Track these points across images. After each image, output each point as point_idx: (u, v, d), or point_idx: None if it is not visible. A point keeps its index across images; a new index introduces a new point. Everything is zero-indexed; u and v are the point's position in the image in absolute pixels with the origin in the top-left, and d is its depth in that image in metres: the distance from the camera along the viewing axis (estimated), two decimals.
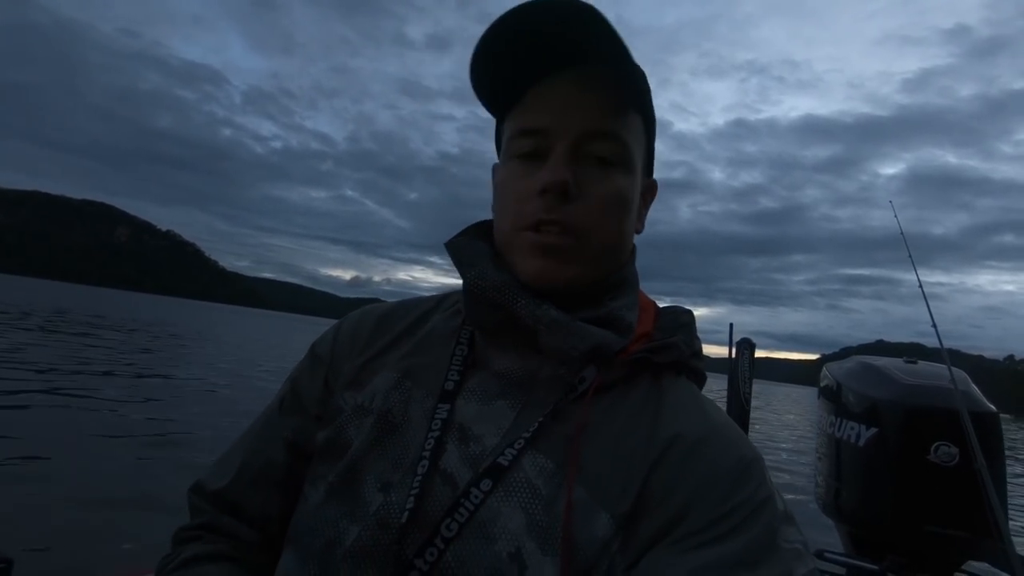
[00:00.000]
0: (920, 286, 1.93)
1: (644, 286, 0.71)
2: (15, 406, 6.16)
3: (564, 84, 0.58)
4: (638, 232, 0.68)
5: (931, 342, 2.01)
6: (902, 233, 2.02)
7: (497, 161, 0.69)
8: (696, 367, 0.66)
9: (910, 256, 1.92)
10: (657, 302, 0.73)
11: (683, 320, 0.69)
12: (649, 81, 0.60)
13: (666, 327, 0.67)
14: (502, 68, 0.58)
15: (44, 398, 6.83)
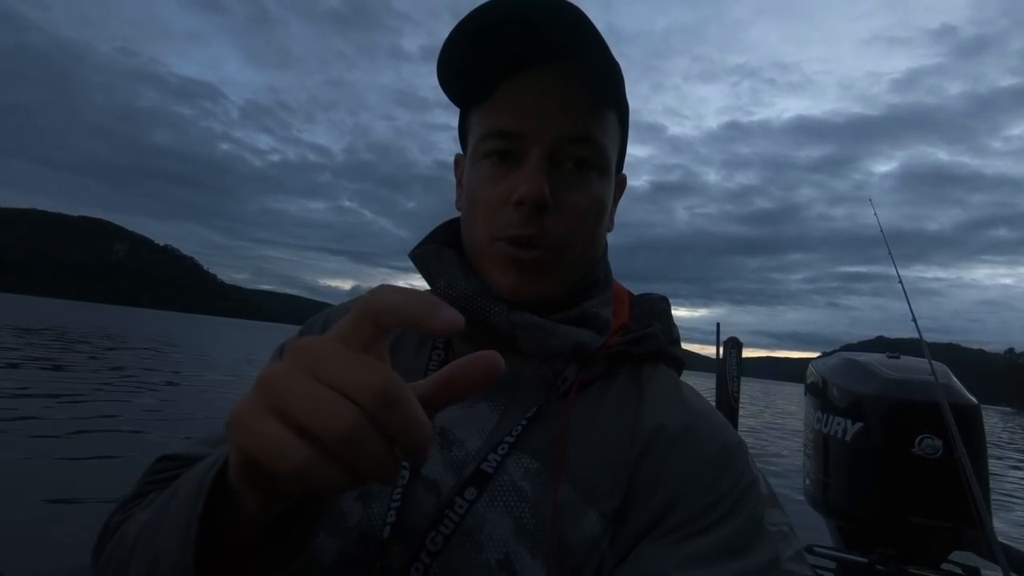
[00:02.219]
0: (900, 280, 1.96)
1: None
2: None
3: (539, 82, 0.55)
4: (609, 230, 0.67)
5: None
6: (881, 229, 2.05)
7: (460, 152, 0.67)
8: (674, 354, 0.65)
9: (889, 252, 1.95)
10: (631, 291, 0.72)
11: (659, 308, 0.68)
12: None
13: (642, 316, 0.66)
14: (473, 60, 0.55)
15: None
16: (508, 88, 0.56)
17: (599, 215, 0.59)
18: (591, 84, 0.56)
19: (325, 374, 0.28)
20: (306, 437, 0.27)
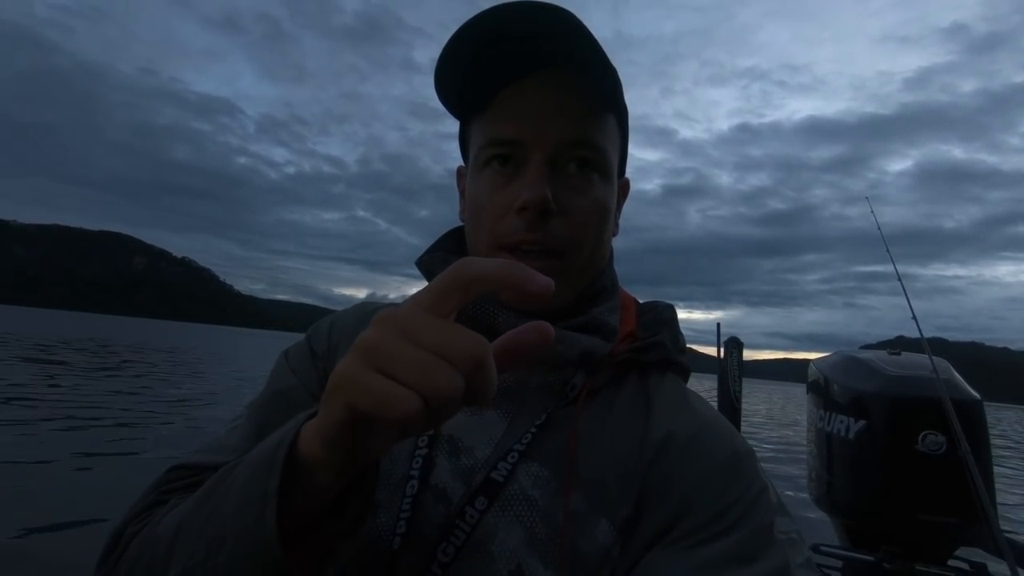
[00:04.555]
0: (899, 278, 1.97)
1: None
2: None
3: (538, 89, 0.55)
4: (614, 235, 0.66)
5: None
6: (879, 228, 2.06)
7: (461, 164, 0.67)
8: (681, 362, 0.65)
9: (887, 250, 1.96)
10: (638, 298, 0.72)
11: (665, 316, 0.68)
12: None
13: (649, 324, 0.66)
14: (470, 70, 0.55)
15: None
16: (506, 97, 0.56)
17: (603, 218, 0.59)
18: (589, 89, 0.56)
19: (424, 340, 0.32)
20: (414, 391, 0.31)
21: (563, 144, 0.55)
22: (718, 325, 2.25)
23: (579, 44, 0.52)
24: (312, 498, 0.39)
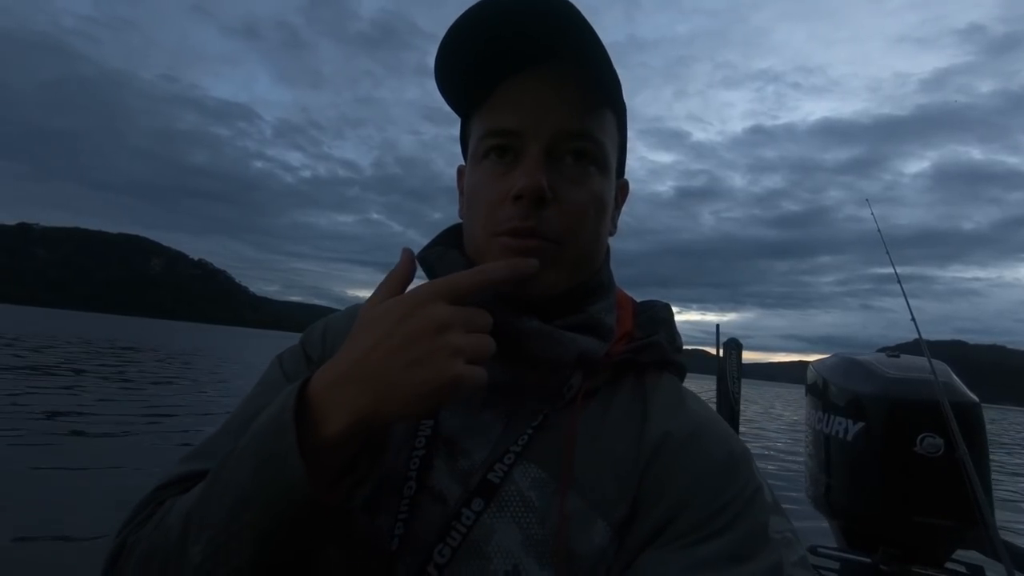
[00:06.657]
0: (899, 281, 1.97)
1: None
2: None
3: (536, 81, 0.56)
4: (611, 235, 0.66)
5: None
6: (879, 231, 2.07)
7: (463, 163, 0.67)
8: (677, 361, 0.65)
9: (887, 252, 1.96)
10: (635, 298, 0.72)
11: (662, 315, 0.68)
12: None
13: (646, 324, 0.66)
14: (470, 63, 0.55)
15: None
16: (505, 88, 0.56)
17: (599, 212, 0.59)
18: (587, 82, 0.56)
19: (474, 324, 0.45)
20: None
21: (561, 134, 0.55)
22: (717, 326, 2.25)
23: (580, 38, 0.52)
24: (325, 458, 0.42)
